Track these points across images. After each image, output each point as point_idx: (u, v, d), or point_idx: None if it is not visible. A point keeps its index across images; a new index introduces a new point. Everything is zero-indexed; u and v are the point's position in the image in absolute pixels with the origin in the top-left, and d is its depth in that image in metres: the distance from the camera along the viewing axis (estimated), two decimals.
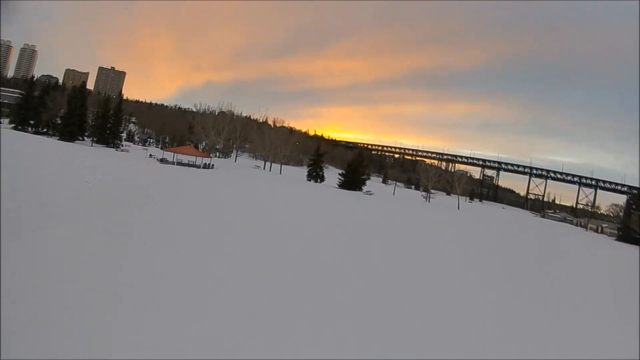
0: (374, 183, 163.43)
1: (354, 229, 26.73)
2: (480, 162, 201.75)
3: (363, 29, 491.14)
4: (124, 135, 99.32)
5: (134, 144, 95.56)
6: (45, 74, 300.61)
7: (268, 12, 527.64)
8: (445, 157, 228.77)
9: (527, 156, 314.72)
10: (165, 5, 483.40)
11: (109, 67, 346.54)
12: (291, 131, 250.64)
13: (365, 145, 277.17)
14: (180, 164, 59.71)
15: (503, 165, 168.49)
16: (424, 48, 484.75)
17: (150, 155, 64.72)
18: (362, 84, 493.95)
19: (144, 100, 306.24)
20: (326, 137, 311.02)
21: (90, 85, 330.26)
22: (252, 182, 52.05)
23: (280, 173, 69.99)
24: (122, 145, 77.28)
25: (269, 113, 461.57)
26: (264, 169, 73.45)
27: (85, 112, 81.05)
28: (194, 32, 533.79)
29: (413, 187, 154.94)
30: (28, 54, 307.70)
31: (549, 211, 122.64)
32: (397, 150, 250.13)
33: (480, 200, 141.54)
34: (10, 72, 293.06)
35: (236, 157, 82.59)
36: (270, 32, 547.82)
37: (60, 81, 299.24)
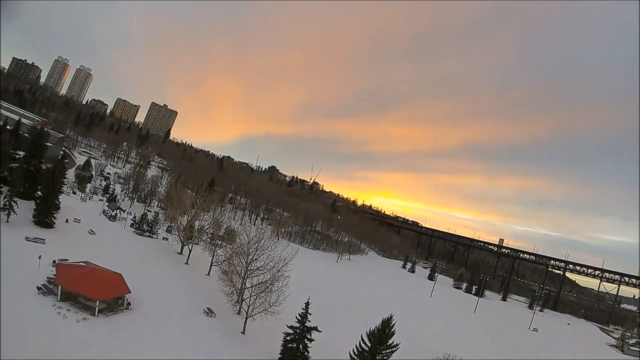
0: (417, 278, 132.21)
1: None
2: (545, 260, 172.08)
3: (424, 96, 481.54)
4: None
5: (109, 211, 72.63)
6: (96, 99, 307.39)
7: (333, 71, 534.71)
8: (504, 251, 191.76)
9: (582, 235, 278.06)
10: (239, 53, 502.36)
11: (162, 104, 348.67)
12: (335, 201, 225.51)
13: (414, 225, 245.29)
14: (72, 298, 34.23)
15: (570, 266, 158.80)
16: (482, 119, 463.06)
17: (54, 262, 40.09)
18: (418, 152, 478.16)
19: (188, 143, 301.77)
20: (373, 209, 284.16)
21: (141, 119, 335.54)
22: None
23: (243, 332, 41.10)
24: (54, 222, 54.31)
25: (322, 174, 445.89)
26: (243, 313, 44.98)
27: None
28: (262, 83, 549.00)
29: (464, 285, 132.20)
30: (83, 76, 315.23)
31: (630, 341, 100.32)
32: (451, 237, 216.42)
33: (541, 310, 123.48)
34: (63, 90, 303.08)
35: (210, 267, 55.24)
36: (333, 91, 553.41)
37: (110, 109, 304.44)
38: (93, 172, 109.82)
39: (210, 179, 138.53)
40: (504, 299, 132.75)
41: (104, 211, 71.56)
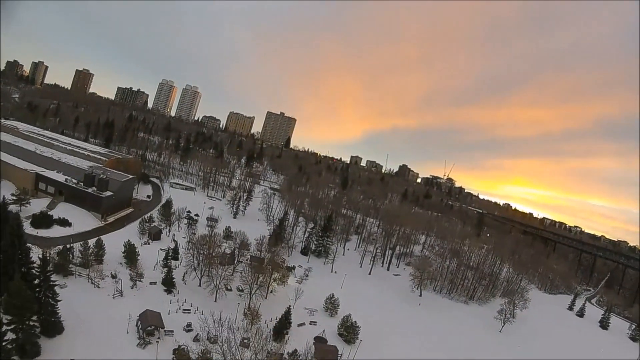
0: (589, 327, 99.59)
1: None
2: None
3: (546, 72, 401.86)
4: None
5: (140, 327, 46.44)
6: (207, 115, 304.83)
7: (451, 59, 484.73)
8: None
9: None
10: (352, 53, 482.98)
11: (278, 113, 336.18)
12: (482, 217, 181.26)
13: (570, 239, 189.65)
14: None
15: None
16: (611, 92, 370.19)
17: None
18: (547, 134, 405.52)
19: (309, 150, 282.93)
20: (520, 213, 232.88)
21: (258, 129, 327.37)
22: None
23: None
24: None
25: (454, 169, 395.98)
26: None
27: None
28: (382, 77, 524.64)
29: None
30: (190, 95, 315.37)
31: None
32: (619, 258, 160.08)
33: None
34: (172, 111, 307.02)
35: None
36: (454, 78, 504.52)
37: (223, 124, 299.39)
38: (172, 216, 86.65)
39: (328, 215, 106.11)
40: None
41: (137, 323, 45.68)
